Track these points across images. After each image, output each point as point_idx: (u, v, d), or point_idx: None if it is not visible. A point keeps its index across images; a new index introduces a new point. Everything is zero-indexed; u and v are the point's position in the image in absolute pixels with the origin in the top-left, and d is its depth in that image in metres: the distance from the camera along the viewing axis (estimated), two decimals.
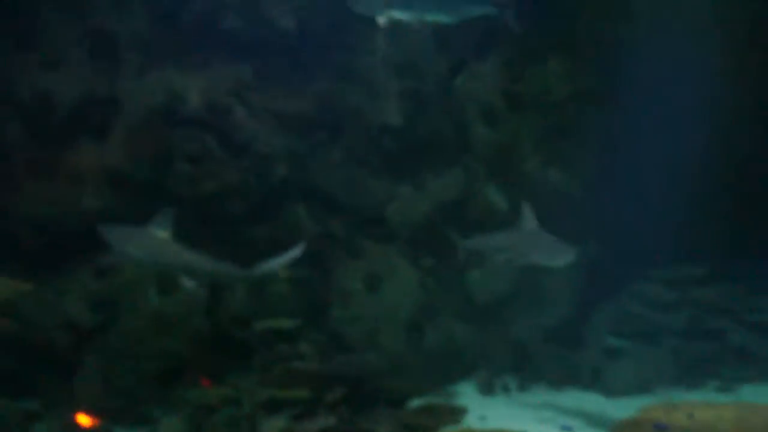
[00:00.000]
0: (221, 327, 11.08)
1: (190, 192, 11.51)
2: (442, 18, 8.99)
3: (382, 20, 8.94)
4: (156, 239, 8.76)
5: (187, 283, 8.54)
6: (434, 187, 12.62)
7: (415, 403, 10.87)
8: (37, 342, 10.34)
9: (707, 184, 12.03)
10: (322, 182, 12.32)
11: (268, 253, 9.27)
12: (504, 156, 12.79)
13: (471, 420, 10.46)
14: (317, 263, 12.14)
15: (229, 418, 9.79)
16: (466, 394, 11.97)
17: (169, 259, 8.69)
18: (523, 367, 12.53)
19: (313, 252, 11.67)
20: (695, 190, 11.80)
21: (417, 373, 11.77)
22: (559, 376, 12.33)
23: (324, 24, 11.83)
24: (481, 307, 12.59)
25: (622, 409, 10.15)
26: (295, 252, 9.05)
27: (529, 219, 10.13)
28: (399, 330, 12.19)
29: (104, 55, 11.52)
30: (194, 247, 8.84)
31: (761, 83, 11.70)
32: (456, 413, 10.85)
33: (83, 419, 9.40)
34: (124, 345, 10.63)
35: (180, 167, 11.46)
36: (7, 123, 11.01)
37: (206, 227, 11.34)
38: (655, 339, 12.42)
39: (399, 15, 8.54)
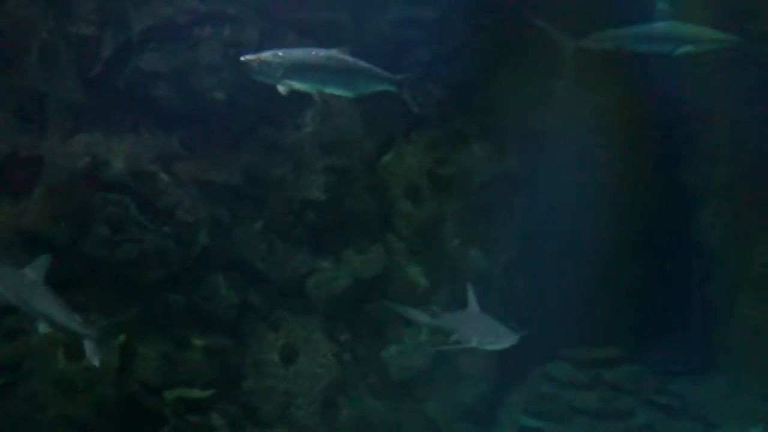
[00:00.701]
0: (130, 395, 10.89)
1: (108, 256, 11.48)
2: (339, 92, 9.27)
3: (314, 96, 9.18)
4: (24, 280, 8.85)
5: (42, 328, 8.46)
6: (356, 262, 12.68)
7: None
8: None
9: (618, 264, 12.50)
10: (244, 252, 12.38)
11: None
12: (427, 235, 12.97)
13: None
14: (234, 333, 12.11)
15: None
16: None
17: (29, 300, 8.75)
18: None
19: (231, 321, 11.72)
20: (607, 271, 12.28)
21: None
22: None
23: (254, 98, 12.02)
24: (397, 383, 12.59)
25: None
26: None
27: (473, 301, 10.41)
28: (313, 404, 12.17)
29: (30, 116, 11.59)
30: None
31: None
32: None
33: None
34: (27, 410, 10.37)
35: (99, 231, 11.43)
36: None
37: (123, 292, 11.28)
38: (568, 419, 12.61)
39: (297, 85, 8.79)
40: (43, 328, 8.63)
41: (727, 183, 12.53)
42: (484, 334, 9.66)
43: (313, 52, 8.75)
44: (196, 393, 11.31)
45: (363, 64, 9.19)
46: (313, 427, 11.95)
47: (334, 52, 8.77)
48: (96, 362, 8.64)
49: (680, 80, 10.68)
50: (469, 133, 13.23)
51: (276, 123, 12.62)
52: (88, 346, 8.59)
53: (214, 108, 12.22)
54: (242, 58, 8.73)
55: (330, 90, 8.99)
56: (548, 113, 12.71)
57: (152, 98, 12.05)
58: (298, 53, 8.58)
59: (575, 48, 10.07)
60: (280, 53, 8.66)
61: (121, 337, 11.03)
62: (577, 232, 11.78)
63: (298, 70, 8.67)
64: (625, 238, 12.51)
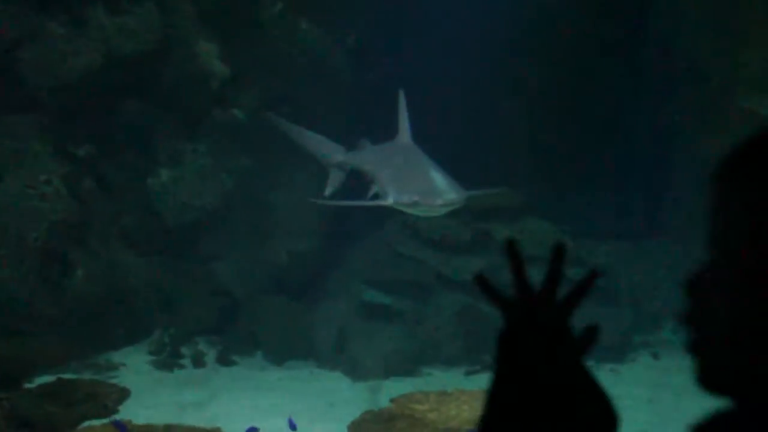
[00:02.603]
0: None
1: None
2: None
3: None
4: None
5: None
6: (109, 29, 8.66)
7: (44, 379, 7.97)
8: None
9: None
10: None
11: None
12: None
13: (137, 407, 7.69)
14: None
15: None
16: (134, 368, 8.87)
17: None
18: (229, 328, 9.29)
19: None
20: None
21: (53, 330, 8.55)
22: (283, 345, 9.08)
23: None
24: (168, 229, 9.12)
25: (374, 395, 8.03)
26: None
27: (404, 125, 7.73)
28: (26, 261, 8.49)
29: None
30: None
31: None
32: (108, 396, 7.84)
33: None
34: None
35: None
36: None
37: None
38: (433, 292, 9.22)
39: None
40: None
41: None
42: (408, 186, 7.14)
43: None
44: None
45: None
46: (26, 299, 8.42)
47: None
48: None
49: None
50: None
51: None
52: None
53: None
54: None
55: None
56: None
57: None
58: None
59: None
60: None
61: None
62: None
63: None
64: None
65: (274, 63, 8.91)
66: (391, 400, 7.62)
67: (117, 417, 7.58)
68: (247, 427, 7.16)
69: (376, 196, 7.44)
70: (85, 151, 8.71)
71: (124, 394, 7.98)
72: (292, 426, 6.83)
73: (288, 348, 8.99)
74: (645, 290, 9.39)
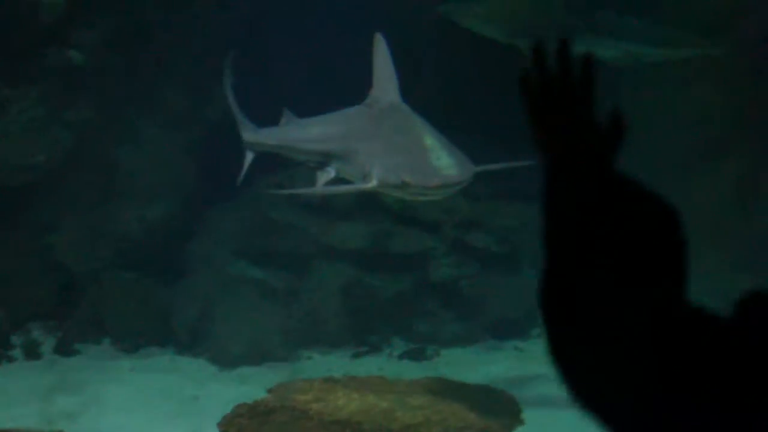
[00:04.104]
0: None
1: None
2: None
3: None
4: None
5: None
6: None
7: None
8: None
9: None
10: None
11: None
12: None
13: None
14: None
15: None
16: None
17: None
18: (69, 311, 8.56)
19: None
20: None
21: None
22: (136, 329, 8.47)
23: None
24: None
25: (246, 386, 7.63)
26: None
27: (387, 87, 6.47)
28: None
29: None
30: None
31: None
32: None
33: None
34: None
35: None
36: None
37: None
38: (312, 267, 8.74)
39: None
40: None
41: None
42: (396, 162, 5.97)
43: None
44: None
45: None
46: None
47: None
48: None
49: None
50: None
51: None
52: None
53: None
54: None
55: None
56: None
57: None
58: None
59: None
60: None
61: None
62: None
63: None
64: None
65: None
66: (268, 391, 7.05)
67: None
68: (92, 426, 6.76)
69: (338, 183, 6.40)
70: None
71: None
72: None
73: (141, 333, 8.39)
74: None
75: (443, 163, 5.83)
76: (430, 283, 8.79)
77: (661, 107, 8.60)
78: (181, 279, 8.69)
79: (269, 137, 7.22)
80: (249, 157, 7.39)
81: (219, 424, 6.58)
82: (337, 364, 8.31)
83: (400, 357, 8.55)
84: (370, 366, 8.18)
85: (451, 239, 8.66)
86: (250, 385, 7.65)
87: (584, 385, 1.64)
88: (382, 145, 6.12)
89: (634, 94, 8.63)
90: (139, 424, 7.09)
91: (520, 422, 6.83)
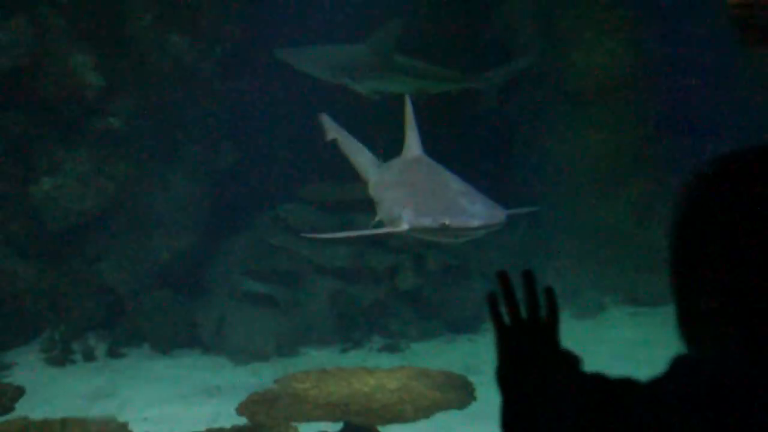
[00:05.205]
0: None
1: None
2: None
3: None
4: None
5: None
6: None
7: None
8: None
9: None
10: None
11: None
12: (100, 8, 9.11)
13: (33, 403, 7.80)
14: None
15: None
16: (27, 365, 8.81)
17: None
18: (116, 323, 9.39)
19: None
20: None
21: None
22: (169, 335, 9.19)
23: None
24: (53, 233, 9.15)
25: (257, 378, 8.30)
26: None
27: (413, 138, 6.47)
28: None
29: None
30: None
31: None
32: (3, 395, 7.97)
33: None
34: None
35: None
36: None
37: None
38: (307, 282, 9.51)
39: None
40: None
41: None
42: (430, 207, 5.72)
43: None
44: None
45: None
46: None
47: None
48: None
49: None
50: None
51: None
52: None
53: None
54: None
55: None
56: None
57: None
58: None
59: None
60: None
61: None
62: None
63: None
64: None
65: (147, 73, 9.00)
66: (275, 381, 7.92)
67: (13, 415, 7.57)
68: (146, 417, 7.37)
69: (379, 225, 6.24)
70: None
71: (18, 392, 8.08)
72: None
73: (172, 338, 9.10)
74: (493, 266, 9.91)
75: (478, 207, 5.69)
76: (399, 291, 9.54)
77: (576, 149, 9.68)
78: (202, 295, 9.46)
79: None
80: None
81: (237, 408, 7.41)
82: (328, 358, 8.91)
83: (379, 350, 9.16)
84: (355, 359, 8.92)
85: (415, 256, 9.41)
86: (260, 377, 8.26)
87: None
88: (415, 192, 5.99)
89: (557, 139, 9.89)
90: (174, 409, 7.72)
91: (474, 398, 7.54)
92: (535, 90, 10.01)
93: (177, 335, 9.15)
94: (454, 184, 5.90)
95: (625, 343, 8.83)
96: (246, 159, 9.51)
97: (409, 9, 9.50)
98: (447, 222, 5.53)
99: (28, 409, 7.67)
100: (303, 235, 7.52)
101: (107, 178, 9.08)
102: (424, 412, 7.37)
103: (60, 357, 8.79)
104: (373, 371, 8.13)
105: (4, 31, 8.54)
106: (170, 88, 9.16)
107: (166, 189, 9.31)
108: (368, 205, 6.83)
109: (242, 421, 7.31)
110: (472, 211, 5.59)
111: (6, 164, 8.85)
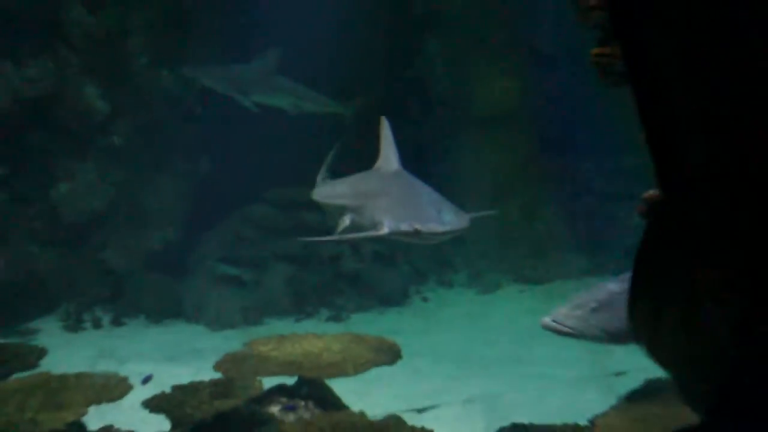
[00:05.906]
0: None
1: None
2: None
3: None
4: None
5: None
6: (15, 79, 10.02)
7: None
8: None
9: None
10: None
11: None
12: (107, 48, 10.48)
13: (53, 362, 8.06)
14: None
15: None
16: (48, 332, 9.77)
17: None
18: (118, 298, 10.46)
19: None
20: None
21: None
22: (159, 309, 10.33)
23: None
24: (68, 227, 10.34)
25: (230, 342, 8.81)
26: None
27: (390, 151, 6.74)
28: None
29: None
30: None
31: None
32: (30, 355, 8.17)
33: None
34: None
35: None
36: None
37: None
38: (268, 266, 10.69)
39: None
40: None
41: None
42: (405, 214, 6.02)
43: None
44: None
45: None
46: None
47: None
48: None
49: None
50: None
51: None
52: None
53: None
54: None
55: None
56: None
57: None
58: None
59: None
60: None
61: None
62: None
63: None
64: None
65: (142, 101, 10.36)
66: (244, 344, 7.86)
67: (38, 370, 7.57)
68: (141, 372, 7.64)
69: (353, 230, 6.47)
70: (1, 171, 9.95)
71: (42, 352, 7.71)
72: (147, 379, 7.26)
73: (163, 311, 10.04)
74: (415, 254, 11.30)
75: (445, 214, 5.95)
76: (342, 274, 10.63)
77: (479, 163, 11.32)
78: (185, 276, 10.47)
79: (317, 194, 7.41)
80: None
81: (214, 366, 7.25)
82: (285, 326, 9.56)
83: (326, 320, 10.03)
84: (307, 327, 9.63)
85: (353, 246, 10.63)
86: (232, 342, 8.67)
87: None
88: (392, 201, 6.23)
89: (464, 155, 11.40)
90: (164, 366, 8.27)
91: (400, 357, 7.24)
92: (447, 116, 11.63)
93: (166, 309, 10.18)
94: (428, 195, 6.23)
95: (514, 312, 10.46)
96: (220, 168, 10.62)
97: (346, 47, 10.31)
98: (419, 227, 5.86)
99: (49, 365, 7.56)
100: (300, 239, 7.62)
101: (110, 184, 10.40)
102: (362, 367, 7.37)
103: (74, 325, 9.92)
104: (321, 336, 8.19)
105: (33, 68, 10.06)
106: (160, 113, 10.49)
107: (156, 192, 10.57)
108: (315, 205, 7.64)
109: (218, 375, 7.50)
110: (441, 219, 5.91)
111: (32, 173, 10.17)
